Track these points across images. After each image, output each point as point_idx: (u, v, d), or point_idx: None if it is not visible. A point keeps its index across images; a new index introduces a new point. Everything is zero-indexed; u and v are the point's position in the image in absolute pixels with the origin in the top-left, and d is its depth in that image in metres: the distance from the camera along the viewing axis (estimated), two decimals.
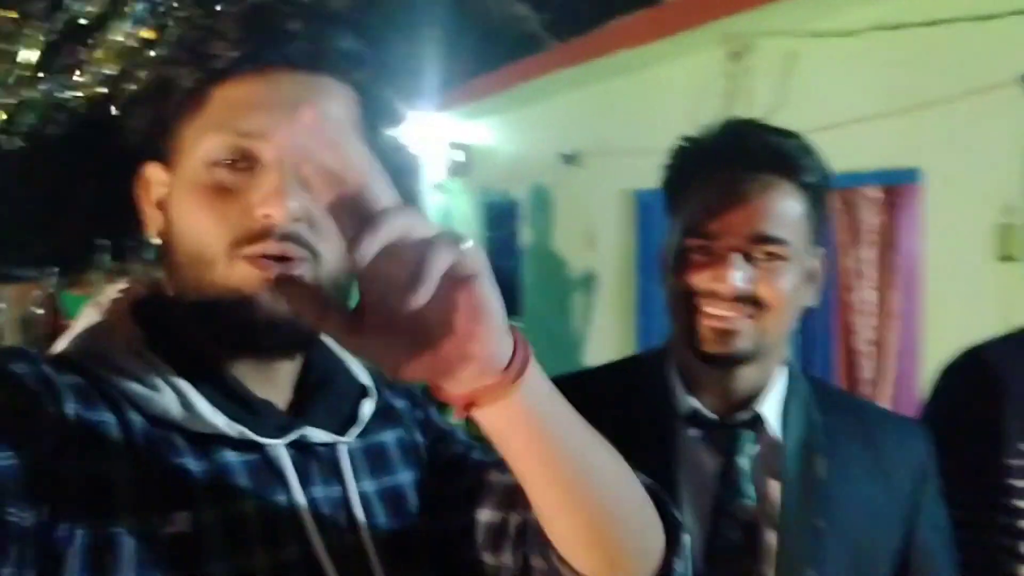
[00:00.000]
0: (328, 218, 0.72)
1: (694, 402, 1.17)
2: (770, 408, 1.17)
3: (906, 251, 3.92)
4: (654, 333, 5.23)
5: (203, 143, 0.77)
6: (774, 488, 1.14)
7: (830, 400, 1.22)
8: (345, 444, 0.87)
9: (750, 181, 1.11)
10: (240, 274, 0.76)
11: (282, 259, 0.76)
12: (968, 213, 3.35)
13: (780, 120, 1.24)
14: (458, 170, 8.39)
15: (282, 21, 0.78)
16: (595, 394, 1.25)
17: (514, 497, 0.84)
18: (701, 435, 1.17)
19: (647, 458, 1.15)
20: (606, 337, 5.97)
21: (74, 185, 11.30)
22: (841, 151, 3.78)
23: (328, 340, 0.93)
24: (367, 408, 0.91)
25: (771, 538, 1.13)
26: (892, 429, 1.23)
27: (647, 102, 5.36)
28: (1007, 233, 3.21)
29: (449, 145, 8.36)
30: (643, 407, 1.19)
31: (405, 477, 0.92)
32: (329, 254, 0.79)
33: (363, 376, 0.94)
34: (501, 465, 0.82)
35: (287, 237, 0.76)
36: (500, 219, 7.98)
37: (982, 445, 1.40)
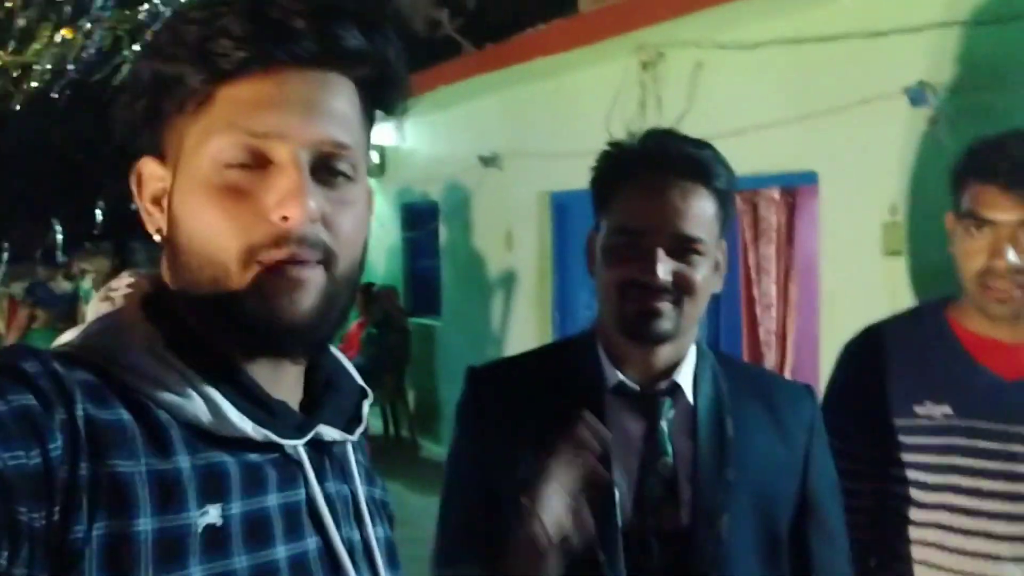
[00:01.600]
0: (341, 217, 0.78)
1: (620, 375, 1.33)
2: (685, 378, 1.34)
3: (804, 248, 4.19)
4: (570, 329, 5.40)
5: (212, 143, 0.75)
6: (689, 447, 1.32)
7: (733, 370, 1.41)
8: (351, 442, 0.89)
9: (672, 186, 1.28)
10: (257, 280, 0.75)
11: (299, 262, 0.75)
12: (859, 212, 3.60)
13: (688, 125, 1.42)
14: (373, 171, 8.41)
15: (289, 18, 0.74)
16: (533, 372, 1.42)
17: None
18: (626, 404, 1.34)
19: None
20: (525, 334, 6.10)
21: (12, 179, 10.87)
22: (744, 155, 4.03)
23: None
24: (366, 408, 0.92)
25: (689, 490, 1.30)
26: (786, 392, 1.42)
27: (564, 107, 5.54)
28: (893, 230, 3.47)
29: None
30: (576, 382, 1.36)
31: (380, 492, 0.96)
32: (344, 254, 0.79)
33: (359, 378, 0.94)
34: None
35: (304, 240, 0.75)
36: (419, 220, 8.03)
37: (877, 408, 1.63)
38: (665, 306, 1.27)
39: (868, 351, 1.70)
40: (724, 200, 1.32)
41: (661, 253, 1.26)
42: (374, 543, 0.87)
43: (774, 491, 1.33)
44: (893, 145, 3.43)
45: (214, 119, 0.76)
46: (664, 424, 1.32)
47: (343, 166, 0.78)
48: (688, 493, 1.30)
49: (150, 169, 0.81)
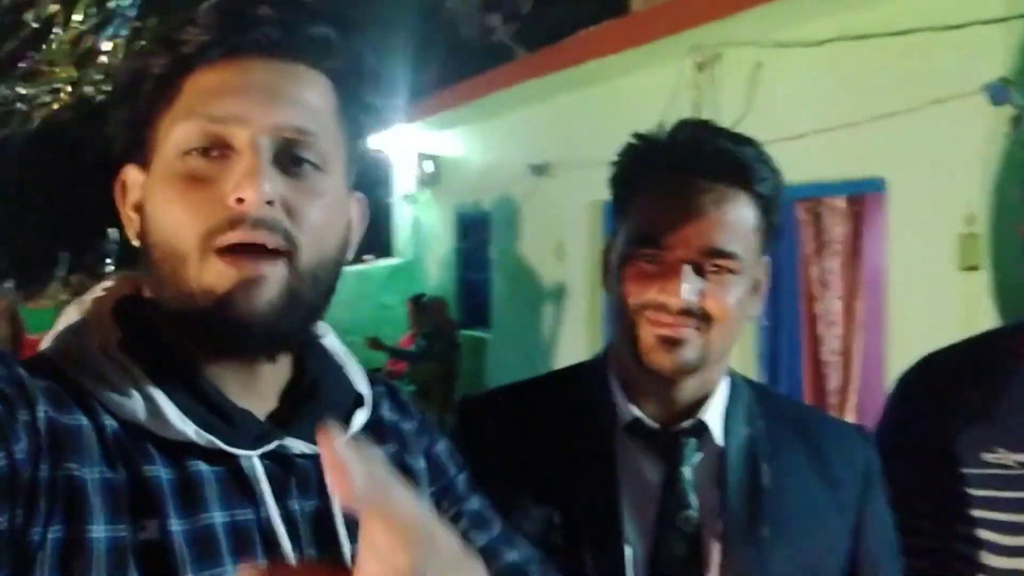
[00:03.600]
0: (307, 206, 0.76)
1: (635, 411, 1.13)
2: (713, 416, 1.13)
3: (870, 261, 3.94)
4: None
5: (175, 132, 0.75)
6: (717, 498, 1.11)
7: (773, 407, 1.19)
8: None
9: (705, 191, 1.07)
10: (213, 271, 0.73)
11: (256, 249, 0.73)
12: (931, 223, 3.37)
13: (747, 129, 1.20)
14: (428, 181, 8.38)
15: (252, 8, 0.75)
16: (534, 405, 1.21)
17: None
18: (643, 445, 1.13)
19: (589, 469, 1.12)
20: (575, 347, 5.96)
21: (30, 197, 11.16)
22: (807, 161, 3.80)
23: (329, 342, 0.92)
24: (359, 419, 0.88)
25: (716, 549, 1.09)
26: (836, 436, 1.20)
27: (615, 113, 5.37)
28: (970, 243, 3.22)
29: (418, 156, 8.35)
30: (584, 417, 1.15)
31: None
32: (308, 245, 0.76)
33: (361, 384, 0.91)
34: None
35: (261, 223, 0.73)
36: (471, 230, 7.97)
37: (940, 454, 1.37)
38: (689, 333, 1.06)
39: (928, 385, 1.44)
40: (767, 208, 1.10)
41: (687, 270, 1.05)
42: (348, 562, 0.80)
43: (818, 553, 1.11)
44: (970, 148, 3.19)
45: (179, 110, 0.76)
46: (687, 470, 1.11)
47: (308, 154, 0.77)
48: (715, 554, 1.09)
49: (132, 177, 0.81)
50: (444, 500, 0.94)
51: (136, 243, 0.80)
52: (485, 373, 7.57)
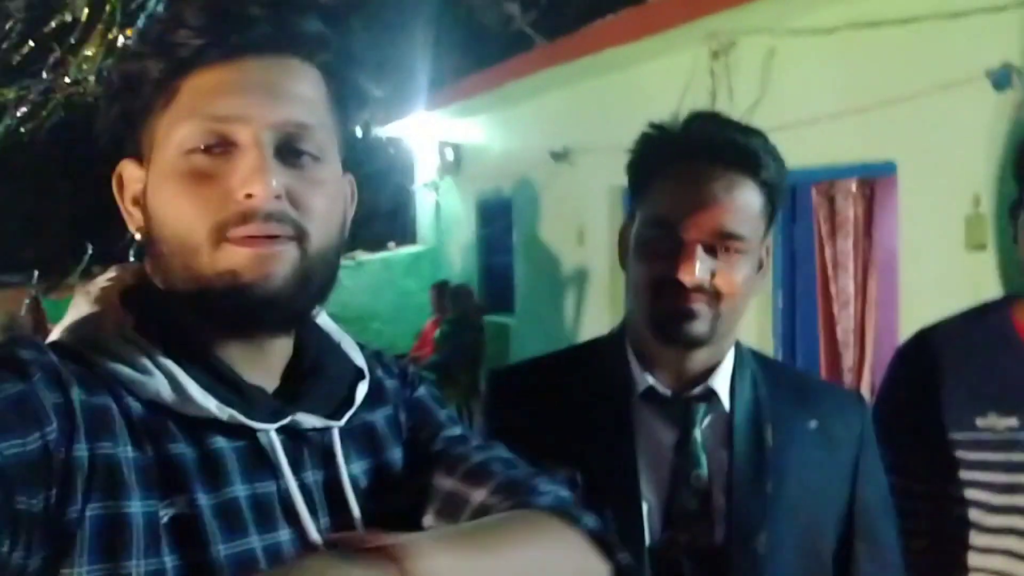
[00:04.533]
0: (310, 195, 0.80)
1: (650, 379, 1.25)
2: (721, 383, 1.25)
3: (883, 242, 4.01)
4: None
5: (177, 132, 0.77)
6: (725, 457, 1.22)
7: (775, 375, 1.30)
8: (337, 428, 0.87)
9: (717, 177, 1.18)
10: (227, 256, 0.76)
11: (267, 238, 0.76)
12: (940, 204, 3.43)
13: (761, 115, 1.31)
14: (449, 168, 8.43)
15: (245, 7, 0.77)
16: (557, 375, 1.33)
17: (453, 507, 0.87)
18: (657, 410, 1.25)
19: (608, 433, 1.25)
20: (598, 331, 5.93)
21: (55, 189, 11.25)
22: (820, 145, 3.89)
23: (323, 321, 0.94)
24: (361, 391, 0.91)
25: (724, 505, 1.21)
26: (833, 400, 1.31)
27: (633, 99, 5.42)
28: (977, 223, 3.29)
29: (439, 144, 8.41)
30: (603, 386, 1.27)
31: (393, 455, 0.93)
32: (316, 231, 0.80)
33: (358, 358, 0.94)
34: (456, 463, 0.90)
35: (271, 216, 0.76)
36: (493, 216, 8.01)
37: (933, 420, 1.49)
38: (701, 308, 1.18)
39: (923, 356, 1.56)
40: (772, 194, 1.22)
41: (699, 250, 1.17)
42: (360, 527, 0.84)
43: (818, 507, 1.23)
44: (976, 132, 3.25)
45: (179, 110, 0.78)
46: (698, 433, 1.23)
47: (307, 146, 0.80)
48: (723, 508, 1.21)
49: (129, 171, 0.84)
50: (433, 440, 0.95)
51: (137, 236, 0.83)
52: (510, 357, 7.63)
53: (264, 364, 0.84)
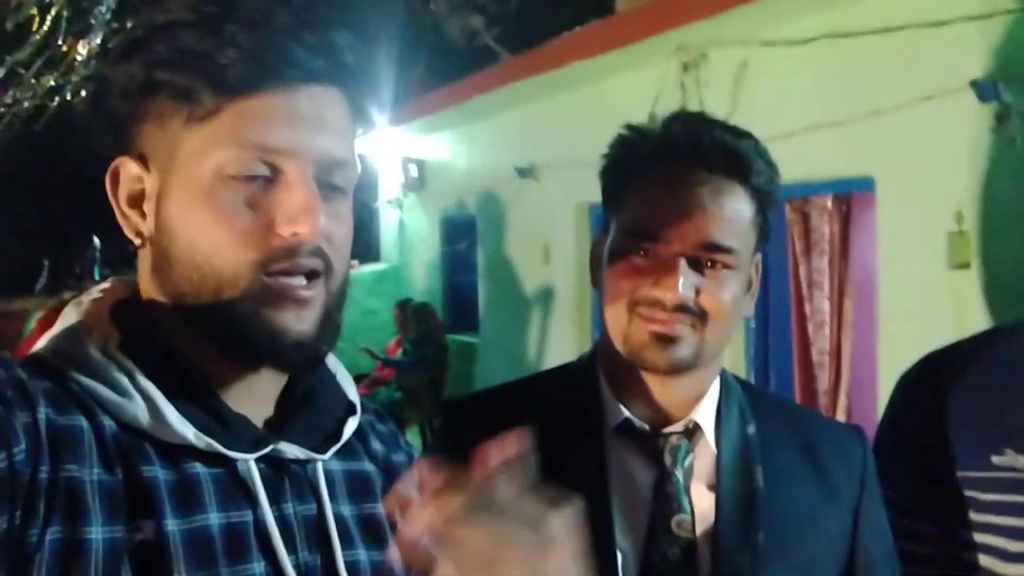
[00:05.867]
0: (337, 229, 0.79)
1: (625, 412, 1.09)
2: (705, 417, 1.09)
3: (860, 261, 3.90)
4: None
5: (218, 154, 0.75)
6: (711, 501, 1.06)
7: (765, 407, 1.15)
8: (321, 462, 0.85)
9: (702, 183, 1.04)
10: (265, 294, 0.76)
11: (305, 274, 0.77)
12: (921, 221, 3.33)
13: None
14: (412, 185, 8.33)
15: (296, 32, 0.76)
16: (522, 407, 1.16)
17: None
18: (633, 447, 1.09)
19: (578, 473, 1.07)
20: (563, 349, 5.91)
21: (13, 203, 11.05)
22: (794, 160, 3.75)
23: None
24: (351, 426, 0.90)
25: (709, 555, 1.05)
26: (830, 436, 1.16)
27: (601, 114, 5.32)
28: (960, 240, 3.18)
29: (403, 160, 8.29)
30: (572, 419, 1.11)
31: (378, 508, 0.91)
32: (338, 265, 0.81)
33: (351, 391, 0.93)
34: None
35: (312, 253, 0.77)
36: (457, 234, 7.92)
37: (944, 457, 1.32)
38: (683, 330, 1.03)
39: (930, 386, 1.39)
40: (763, 203, 1.07)
41: (683, 264, 1.01)
42: (341, 569, 0.82)
43: (814, 557, 1.07)
44: (958, 146, 3.15)
45: (219, 130, 0.75)
46: (679, 473, 1.07)
47: (341, 181, 0.80)
48: (708, 559, 1.05)
49: (128, 169, 0.81)
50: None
51: (136, 242, 0.81)
52: (473, 377, 7.52)
53: (257, 391, 0.83)
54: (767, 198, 1.08)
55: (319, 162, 0.77)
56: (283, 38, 0.75)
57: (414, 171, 8.27)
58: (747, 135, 1.09)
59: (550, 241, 6.17)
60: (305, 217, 0.75)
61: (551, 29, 5.65)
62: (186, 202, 0.77)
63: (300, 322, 0.77)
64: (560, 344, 6.09)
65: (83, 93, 6.80)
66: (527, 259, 6.54)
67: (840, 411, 3.98)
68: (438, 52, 7.87)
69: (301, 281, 0.77)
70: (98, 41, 6.32)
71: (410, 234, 8.90)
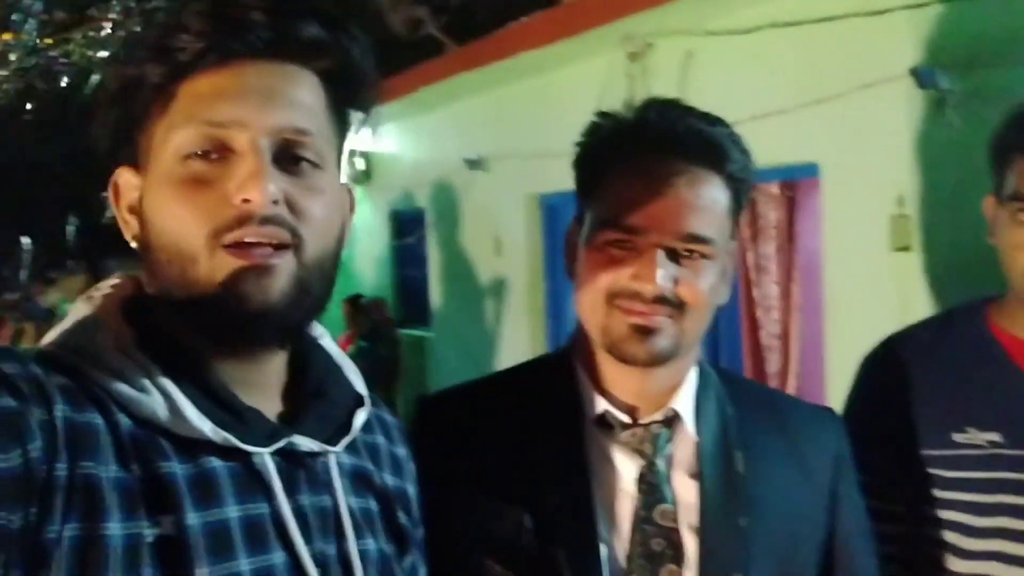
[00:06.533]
0: (309, 202, 0.78)
1: (605, 403, 1.11)
2: (685, 406, 1.11)
3: (806, 245, 3.98)
4: (565, 337, 5.20)
5: (174, 138, 0.77)
6: (693, 489, 1.09)
7: (742, 393, 1.17)
8: (334, 454, 0.87)
9: (678, 172, 1.04)
10: (223, 265, 0.76)
11: (265, 245, 0.77)
12: (864, 205, 3.39)
13: None
14: (360, 178, 8.25)
15: (245, 12, 0.77)
16: (497, 401, 1.17)
17: None
18: (614, 438, 1.11)
19: (558, 466, 1.09)
20: (518, 343, 5.91)
21: None
22: None
23: (327, 343, 0.95)
24: (360, 419, 0.92)
25: (694, 543, 1.07)
26: (806, 419, 1.19)
27: (550, 104, 5.33)
28: (901, 224, 3.26)
29: (350, 152, 8.21)
30: (550, 412, 1.13)
31: (375, 505, 0.93)
32: (313, 239, 0.80)
33: (359, 385, 0.95)
34: None
35: (268, 220, 0.76)
36: (407, 227, 7.86)
37: (907, 437, 1.37)
38: (663, 320, 1.04)
39: (893, 368, 1.44)
40: (739, 191, 1.09)
41: (661, 255, 1.03)
42: (354, 558, 0.84)
43: (796, 539, 1.10)
44: (899, 131, 3.21)
45: (176, 114, 0.78)
46: (661, 462, 1.09)
47: (306, 153, 0.80)
48: (693, 547, 1.06)
49: (125, 179, 0.84)
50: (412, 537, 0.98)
51: (134, 244, 0.83)
52: (427, 372, 7.48)
53: (263, 384, 0.85)
54: (742, 185, 1.09)
55: (274, 133, 0.78)
56: (234, 18, 0.77)
57: (361, 164, 8.19)
58: (721, 122, 1.10)
59: (501, 233, 6.15)
60: (253, 183, 0.75)
61: (497, 19, 5.64)
62: (155, 191, 0.79)
63: (262, 291, 0.77)
64: (514, 336, 6.08)
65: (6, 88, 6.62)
66: (478, 251, 6.51)
67: (791, 390, 4.07)
68: (382, 43, 7.79)
69: (265, 251, 0.77)
70: (31, 32, 6.14)
71: (358, 228, 8.81)
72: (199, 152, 0.77)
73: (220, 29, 0.77)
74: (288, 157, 0.79)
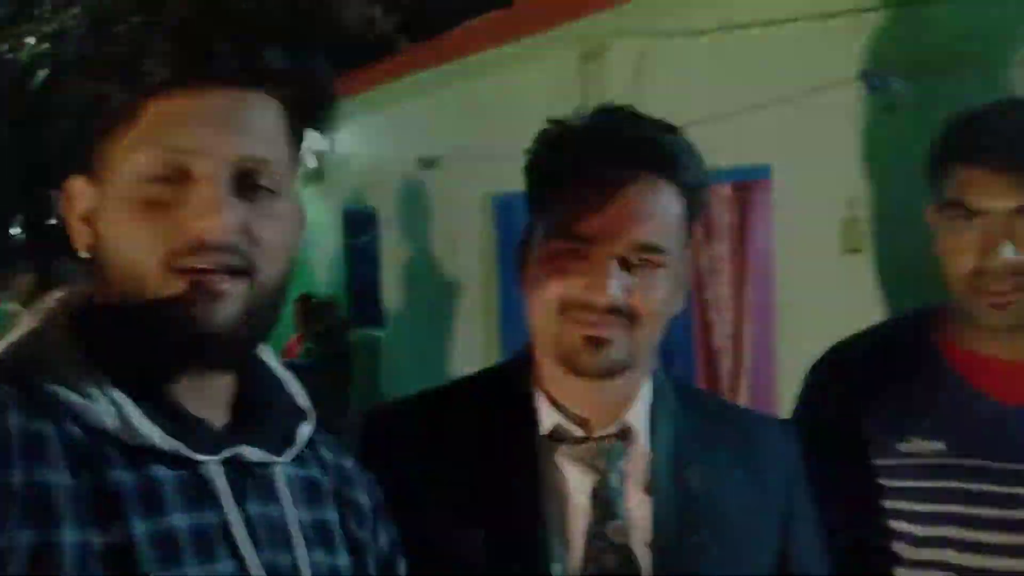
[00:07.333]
0: (264, 229, 0.79)
1: (557, 416, 1.08)
2: (638, 419, 1.09)
3: (757, 247, 4.01)
4: (519, 339, 5.18)
5: (134, 158, 0.78)
6: (647, 505, 1.07)
7: (697, 405, 1.16)
8: (281, 465, 0.88)
9: (630, 181, 1.03)
10: (174, 288, 0.77)
11: (217, 272, 0.77)
12: (815, 207, 3.42)
13: None
14: (311, 177, 8.16)
15: (212, 38, 0.78)
16: (450, 414, 1.14)
17: None
18: (566, 451, 1.08)
19: (509, 482, 1.06)
20: (471, 345, 5.88)
21: None
22: None
23: (268, 358, 0.95)
24: (305, 431, 0.92)
25: (648, 560, 1.05)
26: (762, 431, 1.18)
27: (504, 105, 5.30)
28: (852, 226, 3.29)
29: (301, 151, 8.10)
30: (501, 425, 1.10)
31: (332, 516, 0.93)
32: (266, 266, 0.81)
33: (301, 399, 0.95)
34: None
35: (223, 248, 0.77)
36: (359, 227, 7.79)
37: (854, 446, 1.36)
38: (616, 332, 1.02)
39: (838, 376, 1.43)
40: (693, 199, 1.07)
41: (613, 265, 1.00)
42: (304, 568, 0.84)
43: (751, 558, 1.09)
44: (849, 134, 3.25)
45: (138, 135, 0.78)
46: (614, 477, 1.07)
47: (265, 181, 0.81)
48: (647, 564, 1.04)
49: (78, 187, 0.84)
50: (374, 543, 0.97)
51: (84, 255, 0.83)
52: (379, 373, 7.42)
53: (209, 396, 0.85)
54: (696, 194, 1.08)
55: (233, 162, 0.78)
56: (199, 42, 0.77)
57: (313, 162, 8.09)
58: (673, 129, 1.08)
59: (454, 233, 6.13)
60: (212, 214, 0.76)
61: (451, 18, 5.61)
62: (111, 208, 0.79)
63: (212, 315, 0.77)
64: (467, 336, 6.05)
65: None
66: (431, 251, 6.48)
67: (742, 394, 4.09)
68: (335, 41, 7.71)
69: (218, 277, 0.77)
70: None
71: (310, 227, 8.67)
72: (159, 176, 0.78)
73: (188, 54, 0.77)
74: (247, 185, 0.80)
